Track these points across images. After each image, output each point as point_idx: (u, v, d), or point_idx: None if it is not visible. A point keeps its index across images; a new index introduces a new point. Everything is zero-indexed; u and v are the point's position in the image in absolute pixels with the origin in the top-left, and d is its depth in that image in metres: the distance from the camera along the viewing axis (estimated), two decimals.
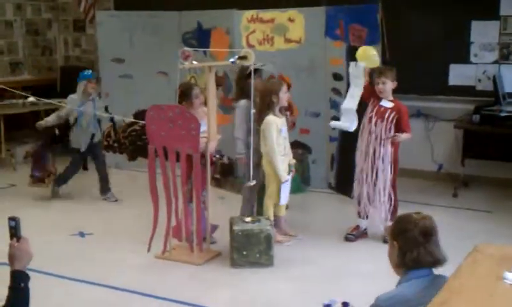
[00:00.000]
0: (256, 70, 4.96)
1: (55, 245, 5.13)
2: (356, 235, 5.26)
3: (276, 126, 4.93)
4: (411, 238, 2.48)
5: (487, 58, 6.80)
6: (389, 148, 5.04)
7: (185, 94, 4.99)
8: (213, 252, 4.85)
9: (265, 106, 4.94)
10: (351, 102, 5.06)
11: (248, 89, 4.84)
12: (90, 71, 6.54)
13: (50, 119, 6.43)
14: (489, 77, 6.70)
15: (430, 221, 2.52)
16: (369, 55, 4.97)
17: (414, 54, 6.89)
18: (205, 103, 4.93)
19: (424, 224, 2.50)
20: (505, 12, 6.64)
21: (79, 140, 6.37)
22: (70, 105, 6.31)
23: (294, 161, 5.18)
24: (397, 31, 6.48)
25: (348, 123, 5.08)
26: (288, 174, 5.11)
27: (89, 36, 9.19)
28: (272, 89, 4.98)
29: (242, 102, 5.13)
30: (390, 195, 5.07)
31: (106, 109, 6.48)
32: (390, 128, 5.03)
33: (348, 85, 5.27)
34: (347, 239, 5.24)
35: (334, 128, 5.80)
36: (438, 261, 2.48)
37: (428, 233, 2.48)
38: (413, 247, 2.47)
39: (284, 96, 4.98)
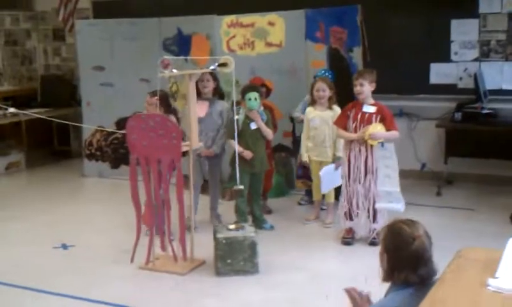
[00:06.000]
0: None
1: (37, 259, 5.06)
2: (353, 237, 5.21)
3: (308, 116, 5.65)
4: (402, 258, 2.42)
5: (467, 56, 6.82)
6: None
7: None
8: (197, 261, 4.79)
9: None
10: (391, 184, 5.01)
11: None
12: (323, 70, 6.06)
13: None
14: (470, 75, 6.73)
15: (422, 242, 2.42)
16: None
17: (395, 53, 6.92)
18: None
19: (416, 247, 2.40)
20: (484, 10, 6.68)
21: None
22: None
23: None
24: (377, 32, 6.51)
25: (399, 204, 5.02)
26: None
27: (69, 44, 9.10)
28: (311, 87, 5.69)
29: None
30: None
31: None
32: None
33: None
34: (345, 243, 5.17)
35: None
36: (427, 280, 2.41)
37: (419, 257, 2.40)
38: (402, 268, 2.41)
39: (315, 93, 5.59)
